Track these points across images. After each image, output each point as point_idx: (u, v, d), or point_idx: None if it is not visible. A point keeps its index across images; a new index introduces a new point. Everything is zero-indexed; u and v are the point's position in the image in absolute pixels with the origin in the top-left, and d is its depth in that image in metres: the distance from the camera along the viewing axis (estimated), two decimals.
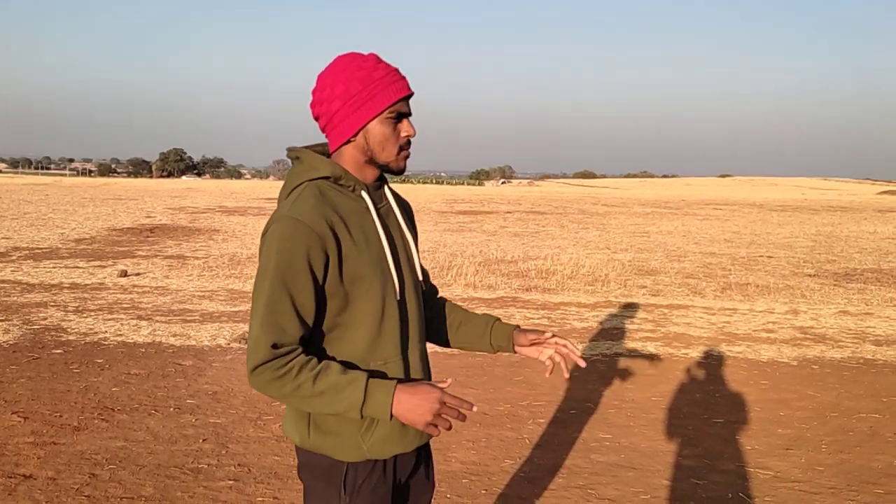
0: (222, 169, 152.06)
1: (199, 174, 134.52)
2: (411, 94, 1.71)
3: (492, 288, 9.55)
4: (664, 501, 3.62)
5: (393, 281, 1.72)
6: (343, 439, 1.69)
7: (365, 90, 1.65)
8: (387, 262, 1.71)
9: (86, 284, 9.15)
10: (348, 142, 1.70)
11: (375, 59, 1.69)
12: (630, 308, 8.39)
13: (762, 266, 12.23)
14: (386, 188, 1.82)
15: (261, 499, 3.53)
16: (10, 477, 3.66)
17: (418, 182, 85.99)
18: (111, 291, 8.70)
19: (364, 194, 1.72)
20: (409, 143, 1.73)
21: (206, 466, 3.88)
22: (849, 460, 4.18)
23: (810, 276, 11.28)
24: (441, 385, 1.62)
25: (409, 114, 1.71)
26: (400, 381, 1.64)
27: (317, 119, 1.73)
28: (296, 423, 1.74)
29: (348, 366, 1.65)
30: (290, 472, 3.83)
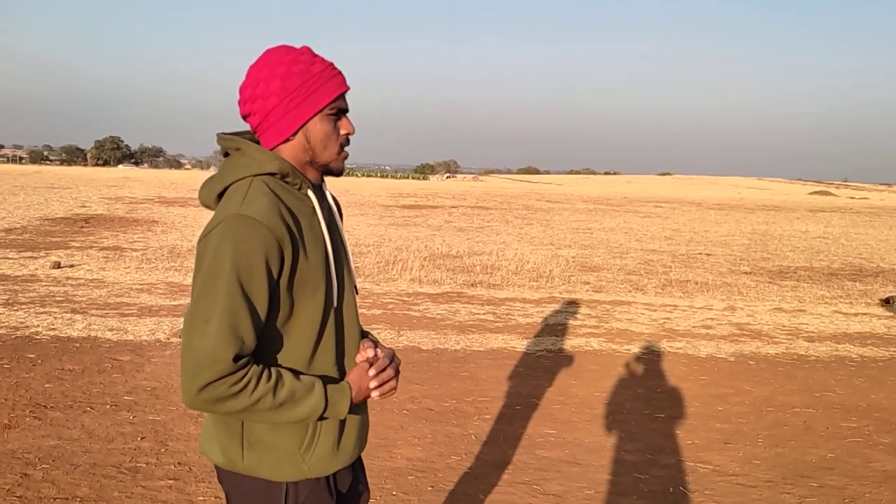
0: (161, 158, 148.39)
1: (136, 163, 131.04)
2: (348, 90, 1.64)
3: (437, 283, 9.55)
4: (607, 496, 3.67)
5: (333, 288, 1.64)
6: (281, 458, 1.61)
7: (304, 86, 1.56)
8: (330, 267, 1.63)
9: (16, 276, 8.81)
10: (286, 141, 1.60)
11: (310, 53, 1.61)
12: (574, 304, 8.48)
13: (701, 263, 12.52)
14: (326, 188, 1.74)
15: (202, 498, 3.45)
16: None
17: (363, 175, 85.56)
18: (43, 284, 8.40)
19: (311, 194, 1.64)
20: (348, 141, 1.65)
21: (144, 465, 3.77)
22: (784, 454, 4.30)
23: (746, 273, 11.60)
24: (364, 359, 1.68)
25: (347, 110, 1.64)
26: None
27: (246, 117, 1.62)
28: (224, 441, 1.62)
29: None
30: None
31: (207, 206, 1.65)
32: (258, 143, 1.65)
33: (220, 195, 1.62)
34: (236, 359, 1.46)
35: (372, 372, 1.65)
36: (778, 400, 5.29)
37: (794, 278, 11.30)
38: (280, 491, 1.63)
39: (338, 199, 1.84)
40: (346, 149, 1.66)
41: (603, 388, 5.42)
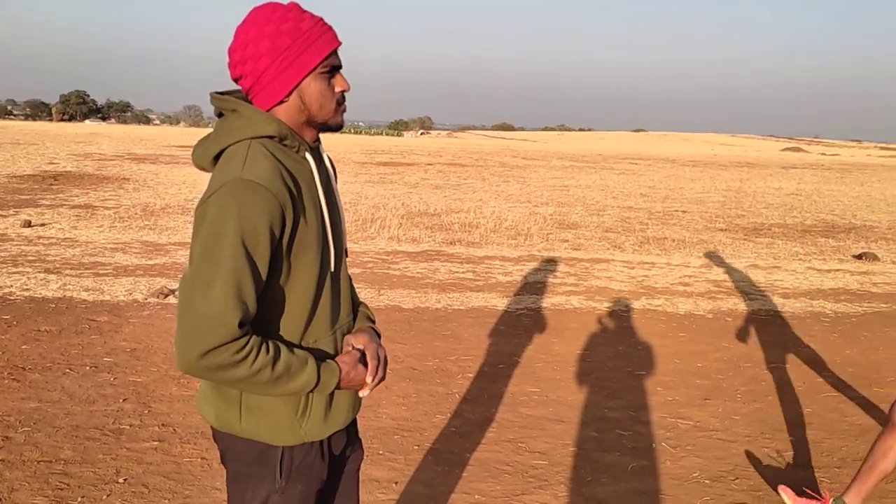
0: (129, 114, 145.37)
1: (103, 118, 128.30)
2: (340, 45, 1.58)
3: (416, 241, 9.52)
4: (592, 453, 3.72)
5: (330, 252, 1.62)
6: (278, 422, 1.61)
7: (294, 44, 1.51)
8: (326, 231, 1.61)
9: None
10: (281, 102, 1.56)
11: (299, 9, 1.55)
12: (553, 262, 8.51)
13: (677, 220, 12.61)
14: (322, 148, 1.70)
15: (188, 459, 3.44)
16: None
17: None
18: (14, 243, 8.23)
19: (308, 156, 1.60)
20: (343, 97, 1.61)
21: (128, 427, 3.74)
22: (762, 409, 4.38)
23: (722, 230, 11.70)
24: (359, 348, 1.68)
25: (340, 66, 1.59)
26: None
27: (237, 79, 1.57)
28: (223, 407, 1.61)
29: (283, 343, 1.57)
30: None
31: (202, 168, 1.62)
32: (251, 103, 1.60)
33: (217, 157, 1.57)
34: (241, 325, 1.43)
35: (369, 379, 1.65)
36: (755, 356, 5.38)
37: (768, 235, 11.43)
38: (276, 454, 1.63)
39: (333, 159, 1.80)
40: (343, 104, 1.62)
41: (584, 345, 5.47)
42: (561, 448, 3.76)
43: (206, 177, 16.44)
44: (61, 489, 3.12)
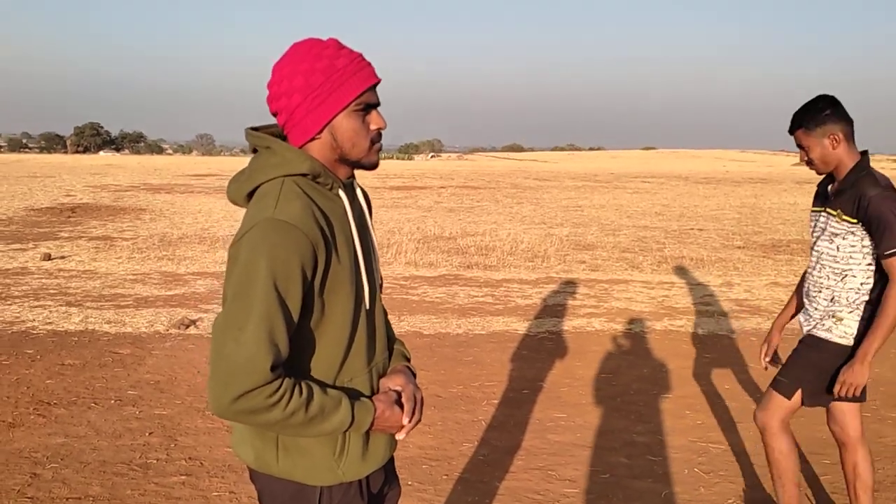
0: (142, 144, 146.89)
1: (117, 149, 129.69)
2: (378, 82, 1.56)
3: (433, 266, 9.51)
4: (623, 479, 3.66)
5: (364, 290, 1.61)
6: (315, 462, 1.58)
7: (328, 82, 1.50)
8: (360, 269, 1.60)
9: (7, 269, 8.69)
10: (313, 139, 1.55)
11: (336, 46, 1.53)
12: (571, 284, 8.47)
13: (694, 239, 12.54)
14: (356, 185, 1.69)
15: (216, 493, 3.42)
16: None
17: None
18: (35, 276, 8.29)
19: (342, 193, 1.58)
20: (380, 135, 1.58)
21: (155, 461, 3.73)
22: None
23: (740, 248, 11.63)
24: (396, 390, 1.66)
25: (377, 104, 1.57)
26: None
27: (275, 114, 1.57)
28: (260, 447, 1.60)
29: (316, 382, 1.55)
30: (243, 464, 3.71)
31: (236, 203, 1.62)
32: (283, 133, 1.61)
33: (251, 194, 1.57)
34: (273, 368, 1.41)
35: (406, 420, 1.62)
36: None
37: (787, 252, 11.34)
38: (314, 494, 1.60)
39: (368, 194, 1.79)
40: (378, 143, 1.60)
41: (608, 368, 5.42)
42: (591, 475, 3.71)
43: (220, 207, 16.56)
44: None
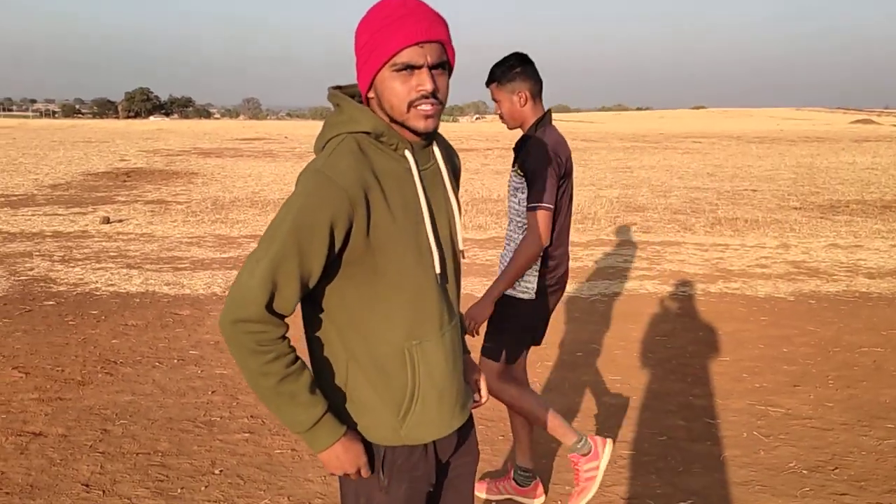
0: (190, 108, 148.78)
1: (167, 114, 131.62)
2: (428, 41, 1.45)
3: (482, 228, 9.49)
4: (681, 442, 3.64)
5: (432, 253, 1.57)
6: (378, 420, 1.59)
7: (371, 39, 1.46)
8: (425, 232, 1.56)
9: (68, 232, 8.94)
10: (370, 98, 1.53)
11: (401, 1, 1.47)
12: (623, 246, 8.38)
13: (748, 200, 12.27)
14: (435, 147, 1.63)
15: (279, 451, 3.50)
16: (20, 435, 3.59)
17: None
18: (95, 239, 8.51)
19: (408, 154, 1.54)
20: (424, 97, 1.46)
21: (218, 419, 3.83)
22: (857, 395, 4.23)
23: (796, 209, 11.34)
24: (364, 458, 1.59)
25: (421, 65, 1.45)
26: (348, 430, 1.57)
27: None
28: (329, 390, 1.61)
29: (378, 348, 1.56)
30: None
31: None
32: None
33: (324, 149, 1.58)
34: (269, 308, 1.44)
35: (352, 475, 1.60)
36: (844, 340, 5.19)
37: (846, 212, 11.03)
38: (378, 452, 1.61)
39: (456, 157, 1.77)
40: (424, 106, 1.48)
41: (663, 331, 5.37)
42: (648, 437, 3.70)
43: (269, 170, 16.72)
44: (161, 480, 3.21)
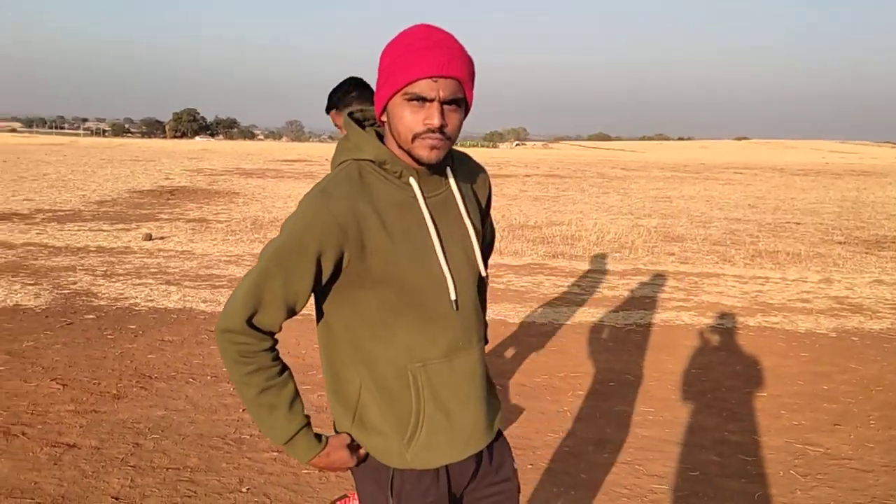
0: (235, 130, 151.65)
1: (212, 135, 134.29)
2: (444, 76, 1.43)
3: (518, 254, 9.46)
4: (714, 478, 3.56)
5: (443, 279, 1.56)
6: (385, 442, 1.59)
7: (391, 65, 1.46)
8: (435, 258, 1.55)
9: (112, 248, 9.13)
10: (384, 122, 1.54)
11: (426, 31, 1.47)
12: (660, 276, 8.28)
13: (790, 233, 12.05)
14: (449, 171, 1.62)
15: (306, 471, 3.50)
16: (55, 446, 3.65)
17: None
18: (137, 255, 8.68)
19: (413, 182, 1.54)
20: (430, 131, 1.45)
21: (248, 437, 3.85)
22: None
23: (840, 243, 11.11)
24: (354, 459, 1.63)
25: (433, 99, 1.44)
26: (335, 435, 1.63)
27: None
28: (340, 412, 1.64)
29: (390, 366, 1.57)
30: None
31: None
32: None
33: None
34: (249, 322, 1.50)
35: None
36: (887, 379, 5.05)
37: (892, 248, 10.76)
38: (387, 475, 1.61)
39: (480, 182, 1.76)
40: (429, 138, 1.46)
41: (699, 364, 5.28)
42: (681, 472, 3.62)
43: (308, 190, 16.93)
44: (189, 496, 3.23)
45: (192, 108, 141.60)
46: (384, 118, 1.53)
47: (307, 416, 1.59)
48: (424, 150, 1.48)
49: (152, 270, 7.84)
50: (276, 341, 1.56)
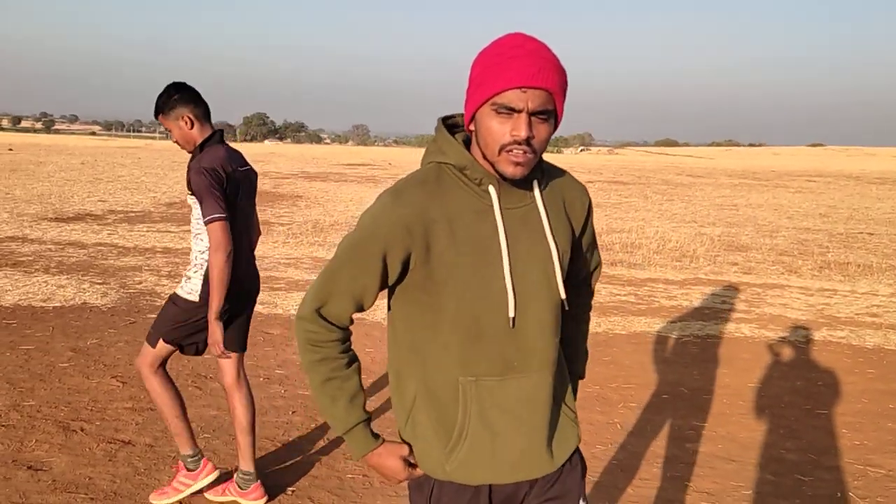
0: (303, 133, 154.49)
1: (280, 138, 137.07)
2: (533, 87, 1.39)
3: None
4: (767, 498, 3.45)
5: (504, 294, 1.51)
6: (428, 449, 1.58)
7: (481, 74, 1.43)
8: (500, 271, 1.50)
9: (177, 249, 9.40)
10: (472, 130, 1.50)
11: (518, 39, 1.43)
12: (721, 286, 8.07)
13: (863, 244, 11.60)
14: (535, 185, 1.56)
15: (350, 476, 3.53)
16: (111, 442, 3.77)
17: None
18: None
19: (491, 190, 1.50)
20: (517, 142, 1.41)
21: (296, 439, 3.91)
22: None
23: None
24: (406, 473, 1.61)
25: (521, 110, 1.40)
26: (392, 441, 1.63)
27: None
28: (400, 408, 1.63)
29: (436, 374, 1.56)
30: None
31: None
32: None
33: None
34: (319, 313, 1.55)
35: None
36: None
37: None
38: (429, 484, 1.59)
39: (577, 200, 1.66)
40: (515, 152, 1.43)
41: (757, 378, 5.12)
42: (732, 490, 3.51)
43: (371, 195, 17.10)
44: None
45: (261, 113, 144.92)
46: (472, 127, 1.50)
47: (368, 413, 1.61)
48: (509, 166, 1.44)
49: None
50: (346, 334, 1.59)
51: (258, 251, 9.37)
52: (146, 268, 8.13)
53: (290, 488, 3.38)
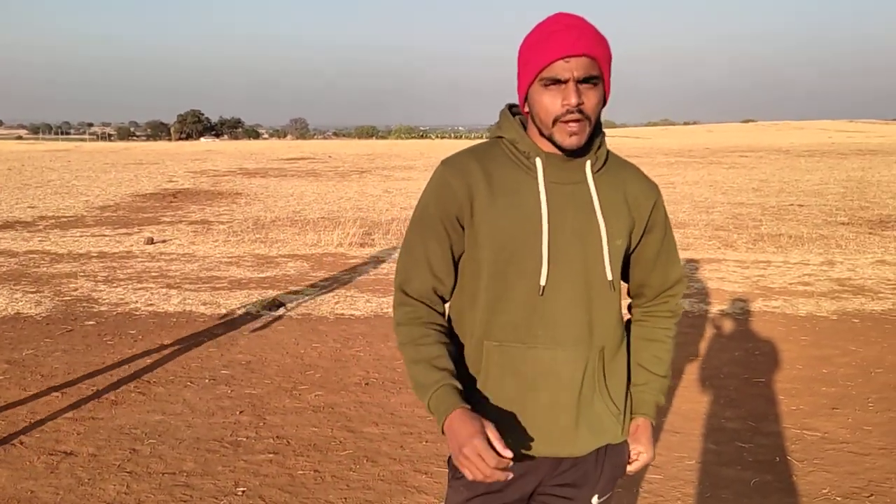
0: (240, 129, 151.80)
1: (217, 135, 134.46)
2: (574, 55, 1.43)
3: None
4: (710, 466, 3.56)
5: (538, 260, 1.52)
6: None
7: (525, 54, 1.51)
8: (539, 238, 1.52)
9: (113, 253, 9.17)
10: (528, 110, 1.56)
11: (557, 17, 1.49)
12: None
13: (793, 215, 12.00)
14: (588, 167, 1.56)
15: (301, 472, 3.51)
16: (52, 454, 3.67)
17: (437, 137, 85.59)
18: (139, 260, 8.71)
19: (538, 162, 1.54)
20: (569, 111, 1.45)
21: (244, 439, 3.87)
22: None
23: (844, 224, 11.05)
24: (482, 437, 1.35)
25: (567, 79, 1.44)
26: (468, 408, 1.43)
27: None
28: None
29: (466, 337, 1.63)
30: (328, 444, 3.80)
31: None
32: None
33: None
34: (403, 290, 1.61)
35: (467, 451, 1.35)
36: (887, 360, 5.02)
37: None
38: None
39: (649, 186, 1.66)
40: (569, 122, 1.47)
41: (697, 351, 5.26)
42: (676, 461, 3.61)
43: (311, 189, 16.93)
44: (185, 501, 3.24)
45: (196, 110, 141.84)
46: (527, 109, 1.56)
47: (454, 375, 1.49)
48: (564, 136, 1.49)
49: (153, 274, 7.86)
50: (433, 310, 1.61)
51: (198, 250, 9.21)
52: (81, 274, 7.91)
53: (241, 489, 3.35)
